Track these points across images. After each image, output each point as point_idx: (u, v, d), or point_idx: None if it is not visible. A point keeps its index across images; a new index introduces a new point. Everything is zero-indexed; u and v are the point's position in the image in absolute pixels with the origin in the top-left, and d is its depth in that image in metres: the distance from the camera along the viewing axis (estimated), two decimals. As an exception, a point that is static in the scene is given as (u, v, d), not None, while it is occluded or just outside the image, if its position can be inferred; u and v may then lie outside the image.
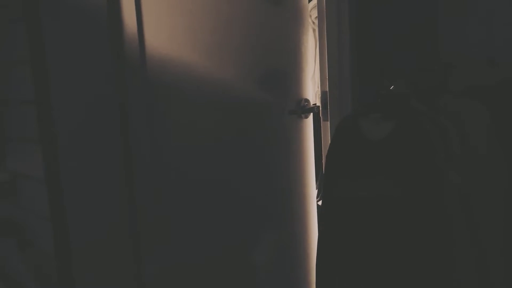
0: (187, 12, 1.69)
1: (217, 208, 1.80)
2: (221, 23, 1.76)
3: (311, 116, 2.01)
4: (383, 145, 1.42)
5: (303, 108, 1.97)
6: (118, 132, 1.51)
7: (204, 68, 1.72)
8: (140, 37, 1.56)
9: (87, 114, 1.44)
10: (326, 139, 1.91)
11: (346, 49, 1.80)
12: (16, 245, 1.46)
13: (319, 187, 2.13)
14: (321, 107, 1.90)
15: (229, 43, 1.77)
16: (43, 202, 1.35)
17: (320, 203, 2.16)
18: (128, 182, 1.54)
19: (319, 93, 2.13)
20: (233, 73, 1.78)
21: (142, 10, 1.57)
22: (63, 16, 1.37)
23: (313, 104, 2.02)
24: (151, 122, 1.61)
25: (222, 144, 1.79)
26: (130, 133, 1.55)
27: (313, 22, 2.30)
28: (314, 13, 2.22)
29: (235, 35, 1.79)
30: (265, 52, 1.86)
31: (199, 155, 1.75)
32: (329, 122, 1.87)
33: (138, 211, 1.58)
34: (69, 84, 1.40)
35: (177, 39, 1.66)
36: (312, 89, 2.06)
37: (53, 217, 1.31)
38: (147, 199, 1.59)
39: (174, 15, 1.66)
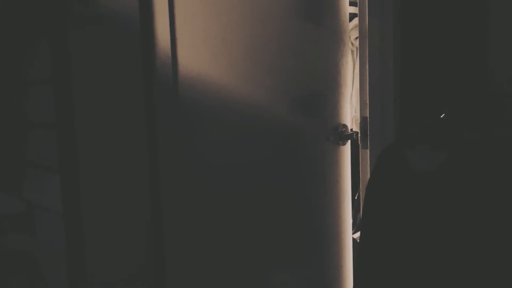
0: (222, 27, 1.60)
1: (240, 242, 1.70)
2: (256, 40, 1.68)
3: (348, 143, 1.92)
4: (434, 178, 1.34)
5: (341, 134, 1.88)
6: (147, 162, 1.39)
7: (237, 87, 1.64)
8: (173, 53, 1.46)
9: (113, 141, 1.33)
10: (365, 169, 1.82)
11: (389, 72, 1.71)
12: (26, 280, 1.35)
13: (355, 220, 2.06)
14: (360, 133, 1.81)
15: (264, 61, 1.70)
16: (59, 238, 1.23)
17: (355, 236, 2.06)
18: (155, 219, 1.43)
19: (357, 118, 2.05)
20: (266, 93, 1.71)
21: (175, 24, 1.47)
22: (92, 32, 1.27)
23: (350, 130, 1.92)
24: (183, 150, 1.51)
25: (250, 171, 1.71)
26: (159, 162, 1.44)
27: (352, 43, 2.22)
28: (354, 34, 2.15)
29: (270, 53, 1.71)
30: (301, 73, 1.79)
31: (225, 183, 1.66)
32: (368, 150, 1.78)
33: (167, 255, 1.47)
34: (95, 107, 1.30)
35: (211, 56, 1.58)
36: (349, 114, 1.96)
37: (70, 256, 1.18)
38: (176, 236, 1.48)
39: (209, 30, 1.57)
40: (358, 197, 2.11)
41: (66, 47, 1.17)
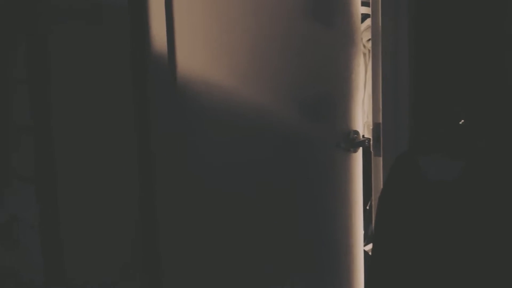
0: (223, 27, 1.53)
1: (245, 255, 1.65)
2: (260, 40, 1.61)
3: (360, 150, 1.86)
4: (450, 188, 1.31)
5: (352, 141, 1.82)
6: (136, 163, 1.32)
7: (238, 88, 1.58)
8: (170, 49, 1.38)
9: (98, 144, 1.25)
10: (377, 177, 1.78)
11: (403, 76, 1.67)
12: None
13: (367, 232, 2.06)
14: (373, 140, 1.77)
15: (268, 63, 1.64)
16: (37, 253, 1.15)
17: (367, 249, 2.00)
18: (145, 220, 1.35)
19: (369, 124, 2.00)
20: (271, 96, 1.65)
21: (174, 20, 1.39)
22: (76, 27, 1.20)
23: (362, 136, 1.87)
24: (182, 148, 1.44)
25: (252, 175, 1.65)
26: (156, 161, 1.36)
27: (364, 46, 2.16)
28: (366, 36, 2.10)
29: (276, 56, 1.66)
30: (309, 76, 1.74)
31: (225, 185, 1.60)
32: (381, 158, 1.74)
33: (163, 257, 1.40)
34: (77, 107, 1.22)
35: (211, 56, 1.51)
36: (361, 119, 1.92)
37: (47, 271, 1.10)
38: (172, 255, 1.41)
39: (210, 31, 1.50)
40: (370, 207, 2.06)
41: (45, 44, 1.09)
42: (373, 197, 1.81)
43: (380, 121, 1.72)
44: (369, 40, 2.01)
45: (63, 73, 1.21)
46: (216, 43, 1.53)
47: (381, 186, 1.71)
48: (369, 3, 1.78)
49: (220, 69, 1.53)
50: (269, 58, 1.63)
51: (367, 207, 2.12)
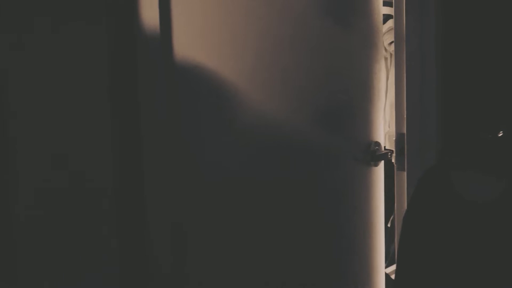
0: (230, 26, 1.40)
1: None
2: (271, 41, 1.50)
3: (382, 164, 1.76)
4: (489, 209, 1.20)
5: (373, 153, 1.70)
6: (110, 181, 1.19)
7: (243, 95, 1.45)
8: (166, 50, 1.25)
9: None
10: (401, 194, 1.68)
11: (431, 81, 1.59)
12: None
13: (388, 252, 1.95)
14: (396, 153, 1.67)
15: (279, 66, 1.52)
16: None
17: (388, 271, 1.91)
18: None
19: (391, 134, 1.92)
20: (281, 101, 1.53)
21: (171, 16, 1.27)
22: None
23: (384, 149, 1.78)
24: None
25: (264, 196, 1.52)
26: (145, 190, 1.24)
27: (386, 49, 2.06)
28: (388, 38, 2.02)
29: (286, 56, 1.54)
30: (326, 81, 1.63)
31: (233, 213, 1.47)
32: (405, 173, 1.63)
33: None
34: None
35: (217, 57, 1.37)
36: (382, 129, 1.83)
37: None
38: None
39: (214, 30, 1.37)
40: (392, 225, 1.95)
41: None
42: (395, 216, 1.72)
43: (404, 131, 1.63)
44: (391, 43, 1.94)
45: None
46: (222, 45, 1.39)
47: (405, 204, 1.62)
48: (391, 2, 1.70)
49: (225, 71, 1.40)
50: (279, 60, 1.51)
51: (388, 225, 2.02)
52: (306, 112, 1.58)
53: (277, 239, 1.55)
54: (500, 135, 1.26)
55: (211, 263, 1.41)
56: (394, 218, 1.77)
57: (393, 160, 1.69)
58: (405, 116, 1.62)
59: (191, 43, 1.32)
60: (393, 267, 1.99)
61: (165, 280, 1.30)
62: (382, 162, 1.74)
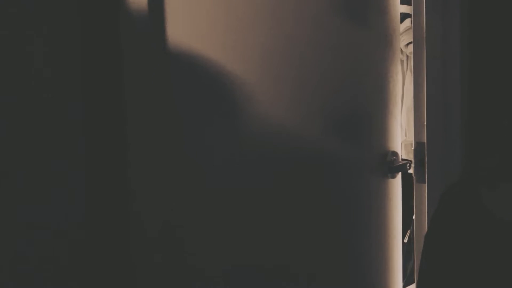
0: (233, 23, 1.30)
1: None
2: (278, 41, 1.41)
3: (399, 176, 1.67)
4: None
5: (390, 164, 1.61)
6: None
7: (252, 99, 1.36)
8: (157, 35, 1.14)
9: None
10: (421, 208, 1.59)
11: (454, 84, 1.50)
12: None
13: (405, 270, 1.86)
14: (415, 164, 1.58)
15: (287, 67, 1.44)
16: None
17: None
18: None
19: (407, 143, 1.92)
20: (290, 107, 1.45)
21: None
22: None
23: (402, 159, 1.68)
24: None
25: (268, 209, 1.43)
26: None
27: (402, 51, 1.97)
28: (405, 39, 1.94)
29: (295, 57, 1.45)
30: (340, 85, 1.55)
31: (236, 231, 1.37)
32: (426, 185, 1.55)
33: None
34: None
35: (217, 48, 1.26)
36: (399, 138, 1.75)
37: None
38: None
39: (216, 28, 1.26)
40: (410, 241, 1.85)
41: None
42: (414, 231, 1.63)
43: (424, 140, 1.55)
44: (408, 44, 1.86)
45: None
46: (225, 45, 1.29)
47: (426, 219, 1.53)
48: (409, 0, 1.65)
49: (228, 70, 1.29)
50: (287, 62, 1.42)
51: (404, 240, 1.92)
52: (317, 118, 1.50)
53: (285, 254, 1.45)
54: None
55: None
56: (413, 234, 1.68)
57: (411, 171, 1.60)
58: (425, 123, 1.53)
59: (186, 34, 1.21)
60: (411, 287, 1.92)
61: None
62: (400, 174, 1.66)
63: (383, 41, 1.61)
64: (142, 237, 1.17)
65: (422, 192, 1.56)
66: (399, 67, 1.74)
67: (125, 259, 1.17)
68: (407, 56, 2.02)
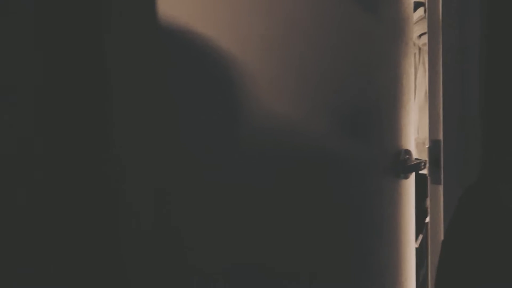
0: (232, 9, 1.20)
1: None
2: (280, 29, 1.30)
3: (412, 176, 1.56)
4: None
5: (404, 164, 1.50)
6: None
7: (250, 91, 1.25)
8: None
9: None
10: (437, 211, 1.47)
11: (473, 78, 1.40)
12: None
13: (418, 277, 1.76)
14: (430, 163, 1.47)
15: (290, 59, 1.33)
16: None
17: None
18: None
19: (420, 141, 1.77)
20: (293, 101, 1.34)
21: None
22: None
23: (415, 159, 1.57)
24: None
25: (275, 208, 1.32)
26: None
27: (414, 43, 1.86)
28: (417, 30, 1.83)
29: (299, 47, 1.34)
30: (349, 78, 1.44)
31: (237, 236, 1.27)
32: (442, 187, 1.44)
33: None
34: None
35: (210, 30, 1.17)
36: (412, 135, 1.64)
37: None
38: None
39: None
40: (422, 247, 1.74)
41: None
42: (429, 236, 1.51)
43: (440, 137, 1.44)
44: (421, 35, 1.74)
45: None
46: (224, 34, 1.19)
47: (442, 224, 1.43)
48: None
49: (227, 63, 1.19)
50: (290, 52, 1.31)
51: (416, 246, 1.82)
52: (324, 114, 1.38)
53: (290, 258, 1.35)
54: None
55: None
56: (427, 238, 1.58)
57: (425, 172, 1.49)
58: (441, 119, 1.42)
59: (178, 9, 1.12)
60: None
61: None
62: (413, 174, 1.55)
63: (394, 30, 1.50)
64: (134, 231, 1.10)
65: (437, 194, 1.45)
66: (412, 59, 1.63)
67: (115, 254, 1.10)
68: (419, 48, 1.91)
